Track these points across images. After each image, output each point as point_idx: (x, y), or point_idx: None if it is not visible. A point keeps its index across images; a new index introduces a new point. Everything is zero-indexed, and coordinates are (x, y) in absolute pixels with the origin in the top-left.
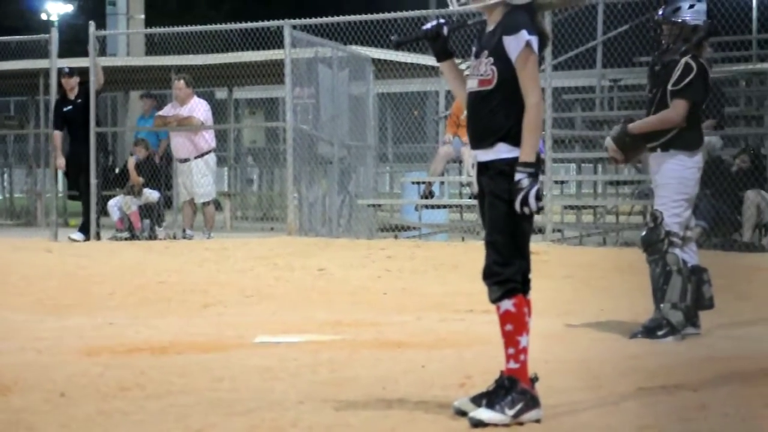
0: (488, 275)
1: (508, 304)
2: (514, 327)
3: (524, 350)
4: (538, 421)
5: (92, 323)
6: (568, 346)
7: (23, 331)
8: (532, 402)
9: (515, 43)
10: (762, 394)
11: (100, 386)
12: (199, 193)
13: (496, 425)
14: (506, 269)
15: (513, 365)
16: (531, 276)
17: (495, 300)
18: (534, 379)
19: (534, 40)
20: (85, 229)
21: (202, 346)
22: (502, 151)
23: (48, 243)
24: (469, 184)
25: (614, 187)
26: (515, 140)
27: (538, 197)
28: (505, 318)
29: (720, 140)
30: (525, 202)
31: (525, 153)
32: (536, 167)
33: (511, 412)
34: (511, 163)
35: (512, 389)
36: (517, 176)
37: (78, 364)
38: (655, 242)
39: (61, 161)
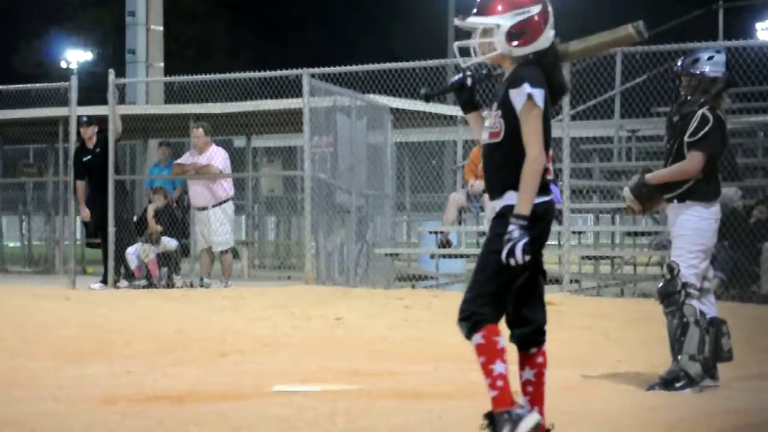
0: (458, 315)
1: (477, 338)
2: (486, 357)
3: (500, 376)
4: (537, 425)
5: (110, 371)
6: (586, 398)
7: (41, 379)
8: (517, 416)
9: (518, 97)
10: None
11: None
12: (216, 241)
13: None
14: (472, 304)
15: (492, 393)
16: (546, 327)
17: (467, 337)
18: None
19: (537, 93)
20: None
21: (219, 395)
22: (511, 198)
23: (66, 291)
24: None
25: (632, 238)
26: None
27: (526, 251)
28: (478, 351)
29: (738, 191)
30: (512, 253)
31: (520, 205)
32: (530, 221)
33: None
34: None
35: (495, 422)
36: (509, 227)
37: (96, 412)
38: (671, 294)
39: (86, 212)
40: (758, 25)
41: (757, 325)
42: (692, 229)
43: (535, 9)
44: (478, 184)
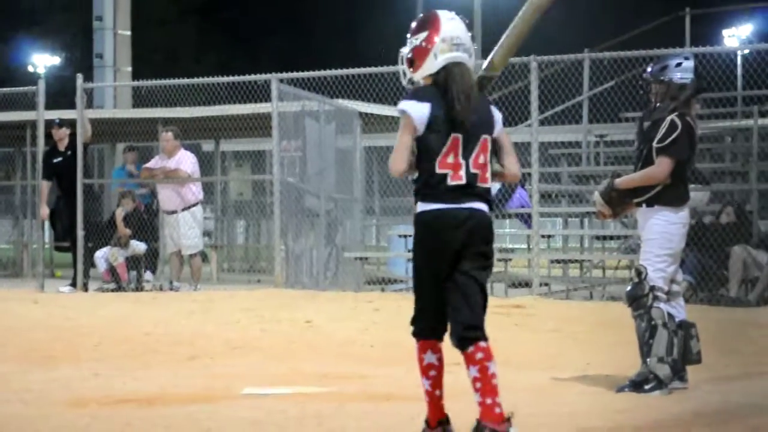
0: None
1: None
2: (420, 373)
3: (426, 392)
4: None
5: (79, 375)
6: (555, 400)
7: (9, 383)
8: None
9: None
10: None
11: None
12: (186, 244)
13: None
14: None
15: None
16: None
17: None
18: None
19: (406, 105)
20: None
21: (188, 398)
22: (417, 207)
23: (35, 294)
24: None
25: (600, 242)
26: (422, 197)
27: None
28: None
29: (707, 195)
30: None
31: None
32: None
33: None
34: (416, 216)
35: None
36: None
37: (64, 415)
38: (639, 297)
39: (45, 211)
40: (725, 32)
41: (725, 328)
42: (660, 234)
43: (422, 36)
44: None
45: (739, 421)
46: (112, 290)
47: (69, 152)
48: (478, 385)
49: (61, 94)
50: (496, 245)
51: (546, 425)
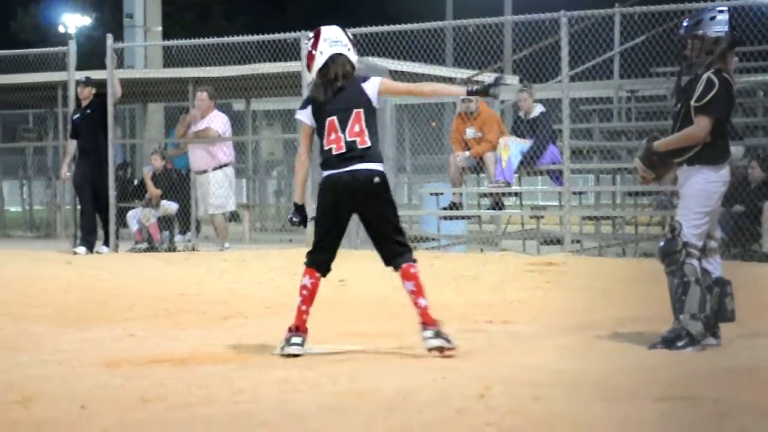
0: None
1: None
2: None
3: (297, 307)
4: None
5: (112, 335)
6: (587, 357)
7: (44, 343)
8: (287, 341)
9: None
10: None
11: (121, 398)
12: (212, 203)
13: None
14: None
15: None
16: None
17: None
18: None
19: (298, 114)
20: (87, 243)
21: (221, 358)
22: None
23: (68, 255)
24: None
25: (633, 198)
26: (321, 167)
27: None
28: None
29: (741, 149)
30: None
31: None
32: (297, 207)
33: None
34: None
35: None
36: None
37: (99, 375)
38: (672, 253)
39: (64, 170)
40: None
41: (758, 284)
42: (699, 191)
43: (310, 43)
44: (462, 156)
45: None
46: (145, 250)
47: (89, 110)
48: (412, 295)
49: (91, 54)
50: (527, 202)
51: (577, 382)
